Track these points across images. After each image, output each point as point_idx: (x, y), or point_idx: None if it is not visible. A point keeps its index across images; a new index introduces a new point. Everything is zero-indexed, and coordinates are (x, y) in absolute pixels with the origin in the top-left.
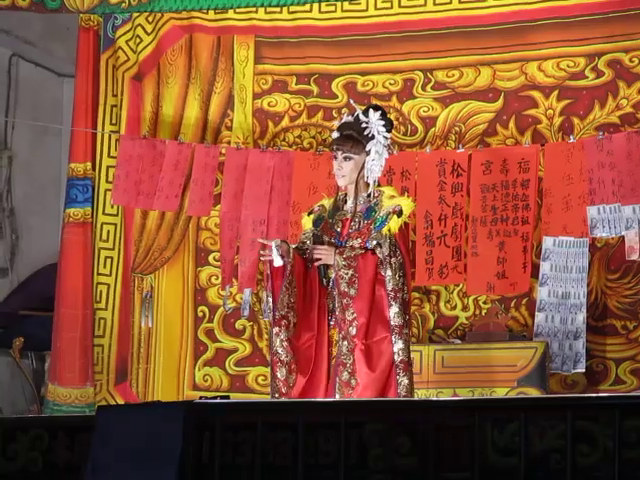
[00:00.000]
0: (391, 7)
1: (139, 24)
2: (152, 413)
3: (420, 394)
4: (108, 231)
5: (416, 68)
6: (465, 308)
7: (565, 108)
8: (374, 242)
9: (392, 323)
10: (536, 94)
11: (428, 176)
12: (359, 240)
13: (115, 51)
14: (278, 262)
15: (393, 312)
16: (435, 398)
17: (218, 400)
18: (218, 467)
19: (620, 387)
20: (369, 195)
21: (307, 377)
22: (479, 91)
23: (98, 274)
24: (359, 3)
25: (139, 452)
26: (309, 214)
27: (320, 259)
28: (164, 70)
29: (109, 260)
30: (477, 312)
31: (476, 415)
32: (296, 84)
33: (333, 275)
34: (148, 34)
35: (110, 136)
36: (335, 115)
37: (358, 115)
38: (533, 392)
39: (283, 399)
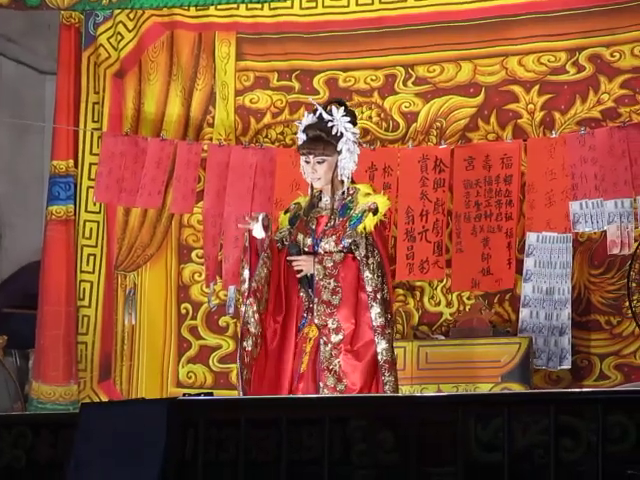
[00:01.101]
0: (372, 3)
1: (120, 21)
2: (135, 410)
3: (404, 390)
4: (91, 229)
5: (397, 64)
6: (449, 304)
7: (546, 103)
8: (350, 240)
9: (374, 324)
10: (517, 89)
11: (410, 172)
12: (334, 237)
13: (96, 48)
14: (260, 233)
15: (374, 313)
16: (419, 394)
17: (202, 397)
18: (201, 464)
19: (604, 382)
20: (344, 192)
21: (268, 358)
22: (460, 86)
23: (81, 272)
24: None
25: (122, 449)
26: (285, 212)
27: (301, 270)
28: (145, 67)
29: (92, 257)
30: (461, 308)
31: (460, 411)
32: (278, 80)
33: (314, 281)
34: (129, 31)
35: (92, 133)
36: None
37: (321, 114)
38: (517, 388)
39: (266, 396)
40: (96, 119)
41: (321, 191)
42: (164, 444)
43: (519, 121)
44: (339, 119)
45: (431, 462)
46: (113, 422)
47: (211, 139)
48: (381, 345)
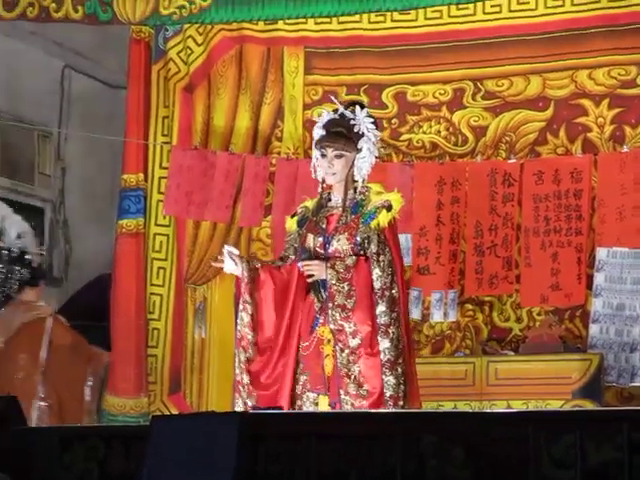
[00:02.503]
0: (441, 17)
1: (190, 35)
2: (206, 423)
3: (473, 406)
4: (161, 242)
5: (466, 78)
6: (519, 320)
7: (616, 116)
8: (363, 236)
9: (378, 321)
10: (586, 102)
11: (479, 186)
12: (346, 234)
13: (166, 62)
14: (232, 268)
15: (379, 310)
16: (489, 410)
17: (273, 410)
18: (273, 477)
19: None
20: (355, 191)
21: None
22: (529, 100)
23: (151, 285)
24: (409, 13)
25: (193, 462)
26: (292, 216)
27: (313, 275)
28: (215, 81)
29: (162, 271)
30: (531, 324)
31: (530, 427)
32: (346, 94)
33: (327, 286)
34: (199, 45)
35: (162, 147)
36: (385, 125)
37: (343, 113)
38: (588, 405)
39: (338, 410)
40: (166, 133)
41: (329, 192)
42: (235, 458)
43: (588, 135)
44: (362, 119)
45: (502, 479)
46: (184, 435)
47: (279, 153)
48: (384, 344)
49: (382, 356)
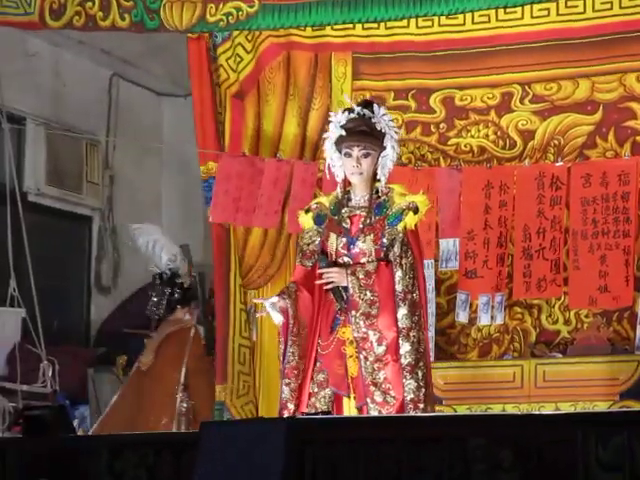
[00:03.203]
0: (488, 21)
1: (239, 43)
2: (255, 429)
3: (522, 408)
4: None
5: (514, 82)
6: (567, 322)
7: None
8: (390, 239)
9: (400, 325)
10: (635, 105)
11: (527, 190)
12: (372, 236)
13: (216, 69)
14: (278, 319)
15: (401, 314)
16: (537, 412)
17: (320, 416)
18: None
19: None
20: (377, 191)
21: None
22: (578, 103)
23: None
24: (456, 17)
25: (242, 468)
26: (307, 212)
27: (333, 282)
28: (263, 88)
29: None
30: (579, 326)
31: (578, 429)
32: (394, 100)
33: (349, 294)
34: (248, 52)
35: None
36: (433, 130)
37: (361, 112)
38: (636, 405)
39: (385, 415)
40: (221, 140)
41: (347, 190)
42: (283, 463)
43: (638, 138)
44: (381, 117)
45: None
46: (233, 441)
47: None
48: (404, 347)
49: (403, 360)
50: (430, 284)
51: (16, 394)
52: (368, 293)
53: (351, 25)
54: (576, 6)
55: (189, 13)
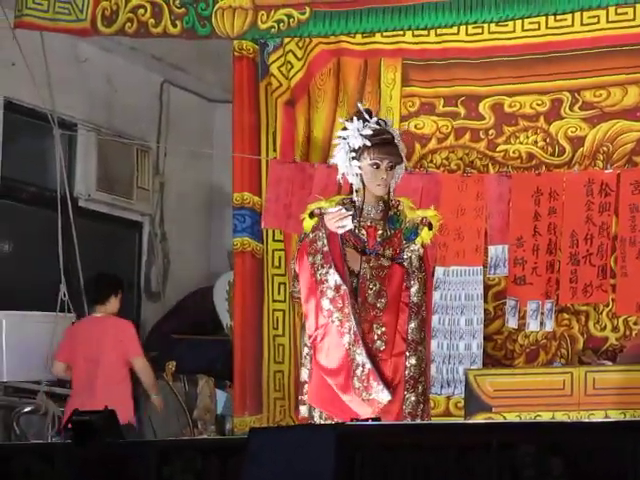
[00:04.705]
0: (538, 28)
1: (290, 50)
2: (304, 435)
3: (572, 416)
4: (279, 257)
5: (563, 88)
6: (615, 329)
7: None
8: (408, 254)
9: (409, 337)
10: None
11: (575, 196)
12: (390, 250)
13: (269, 77)
14: (350, 225)
15: (412, 327)
16: (587, 420)
17: (370, 422)
18: None
19: None
20: (387, 203)
21: None
22: (627, 110)
23: (273, 301)
24: (506, 25)
25: (291, 474)
26: (311, 217)
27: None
28: (313, 94)
29: (282, 286)
30: (627, 333)
31: (629, 437)
32: (443, 106)
33: (359, 280)
34: (299, 60)
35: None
36: (482, 136)
37: (379, 121)
38: None
39: (432, 421)
40: (275, 148)
41: (351, 199)
42: (332, 469)
43: None
44: (393, 128)
45: None
46: (282, 447)
47: None
48: (411, 360)
49: (407, 372)
50: (478, 290)
51: (66, 399)
52: (378, 284)
53: (401, 32)
54: (626, 13)
55: (240, 20)
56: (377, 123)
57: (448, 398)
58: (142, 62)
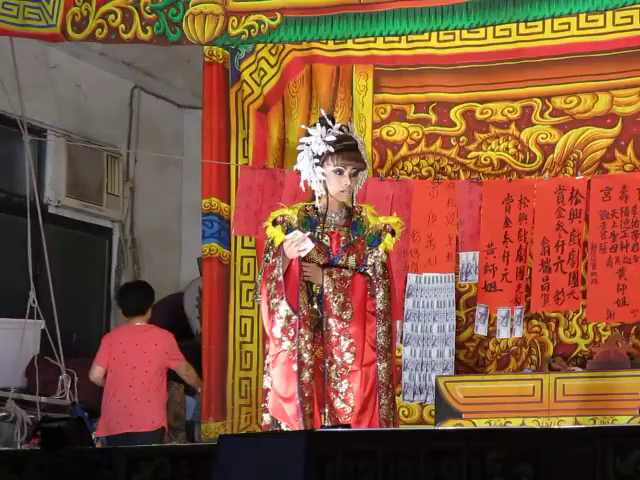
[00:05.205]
0: (509, 35)
1: (263, 57)
2: (273, 442)
3: (541, 422)
4: (248, 264)
5: (534, 95)
6: (585, 335)
7: None
8: (372, 260)
9: (379, 342)
10: None
11: (546, 203)
12: (354, 256)
13: (241, 84)
14: (311, 245)
15: (380, 331)
16: (556, 426)
17: (339, 429)
18: None
19: None
20: (350, 209)
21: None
22: (597, 117)
23: (241, 307)
24: (477, 31)
25: None
26: (274, 224)
27: (308, 276)
28: (287, 102)
29: (251, 293)
30: (597, 339)
31: (598, 443)
32: (414, 113)
33: (323, 294)
34: (272, 66)
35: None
36: (453, 143)
37: (345, 127)
38: None
39: (401, 428)
40: (246, 155)
41: (313, 205)
42: (302, 476)
43: None
44: (356, 135)
45: None
46: (251, 454)
47: None
48: (382, 365)
49: (380, 377)
50: (450, 297)
51: (35, 406)
52: (342, 296)
53: (372, 38)
54: (596, 20)
55: (211, 26)
56: (340, 129)
57: (422, 406)
58: (112, 68)
